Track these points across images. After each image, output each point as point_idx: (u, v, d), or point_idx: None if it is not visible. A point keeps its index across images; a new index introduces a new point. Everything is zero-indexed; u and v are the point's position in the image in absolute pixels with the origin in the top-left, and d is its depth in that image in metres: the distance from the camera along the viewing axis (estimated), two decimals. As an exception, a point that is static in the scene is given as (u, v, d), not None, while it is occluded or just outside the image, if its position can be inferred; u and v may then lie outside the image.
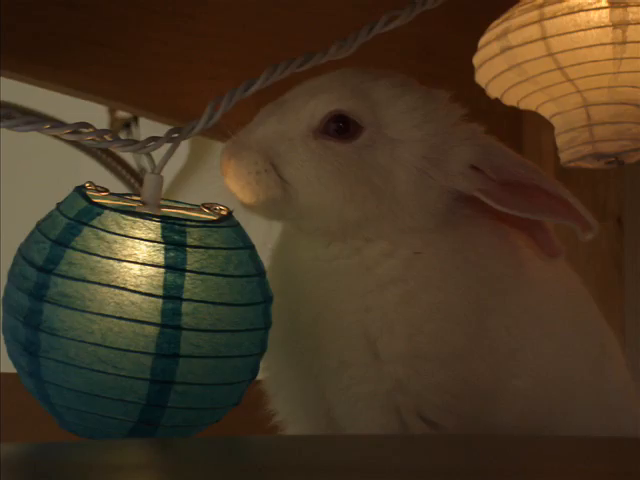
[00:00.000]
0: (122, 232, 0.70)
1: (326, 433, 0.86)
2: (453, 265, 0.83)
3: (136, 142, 0.79)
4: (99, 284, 0.69)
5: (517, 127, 1.36)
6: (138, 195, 0.78)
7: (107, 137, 0.78)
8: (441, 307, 0.81)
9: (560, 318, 0.88)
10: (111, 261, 0.69)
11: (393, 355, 0.81)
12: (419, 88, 0.86)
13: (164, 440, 0.71)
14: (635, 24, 0.79)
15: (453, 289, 0.82)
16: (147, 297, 0.69)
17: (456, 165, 0.83)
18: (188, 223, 0.71)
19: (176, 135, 0.78)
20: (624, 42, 0.79)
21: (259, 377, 0.80)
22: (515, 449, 0.68)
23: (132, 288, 0.69)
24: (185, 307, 0.69)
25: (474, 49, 0.87)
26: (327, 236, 0.84)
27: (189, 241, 0.71)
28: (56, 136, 0.79)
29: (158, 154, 0.78)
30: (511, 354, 0.84)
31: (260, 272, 0.75)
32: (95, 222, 0.70)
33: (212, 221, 0.74)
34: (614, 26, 0.79)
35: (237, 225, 0.76)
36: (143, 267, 0.69)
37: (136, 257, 0.69)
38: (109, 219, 0.70)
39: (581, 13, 0.80)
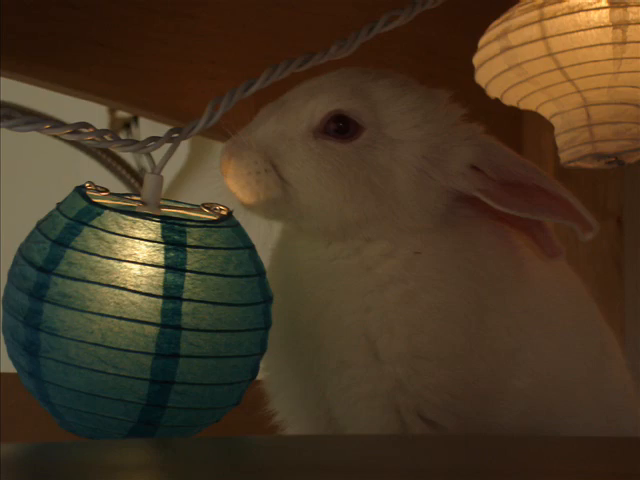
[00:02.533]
0: (122, 232, 0.70)
1: (326, 433, 0.86)
2: (453, 265, 0.83)
3: (136, 142, 0.78)
4: (99, 284, 0.69)
5: (517, 127, 1.36)
6: (138, 195, 0.78)
7: (107, 137, 0.78)
8: (441, 307, 0.81)
9: (560, 318, 0.88)
10: (111, 261, 0.69)
11: (393, 355, 0.81)
12: (419, 88, 0.86)
13: (164, 440, 0.71)
14: (635, 24, 0.79)
15: (453, 289, 0.82)
16: (147, 297, 0.69)
17: (456, 165, 0.83)
18: (188, 223, 0.71)
19: (176, 135, 0.78)
20: (624, 42, 0.79)
21: (259, 377, 0.80)
22: (515, 449, 0.68)
23: (132, 288, 0.69)
24: (185, 307, 0.69)
25: (474, 49, 0.87)
26: (327, 236, 0.84)
27: (189, 241, 0.71)
28: (56, 136, 0.79)
29: (158, 154, 0.78)
30: (511, 354, 0.84)
31: (260, 272, 0.75)
32: (95, 222, 0.70)
33: (212, 221, 0.74)
34: (614, 26, 0.79)
35: (237, 225, 0.76)
36: (143, 267, 0.69)
37: (136, 257, 0.69)
38: (109, 219, 0.70)
39: (581, 13, 0.80)
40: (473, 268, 0.83)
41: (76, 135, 0.77)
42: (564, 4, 0.81)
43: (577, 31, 0.80)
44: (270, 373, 0.89)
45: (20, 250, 0.73)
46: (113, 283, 0.69)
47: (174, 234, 0.70)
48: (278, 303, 0.77)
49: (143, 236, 0.70)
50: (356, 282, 0.83)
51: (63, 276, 0.69)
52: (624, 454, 0.66)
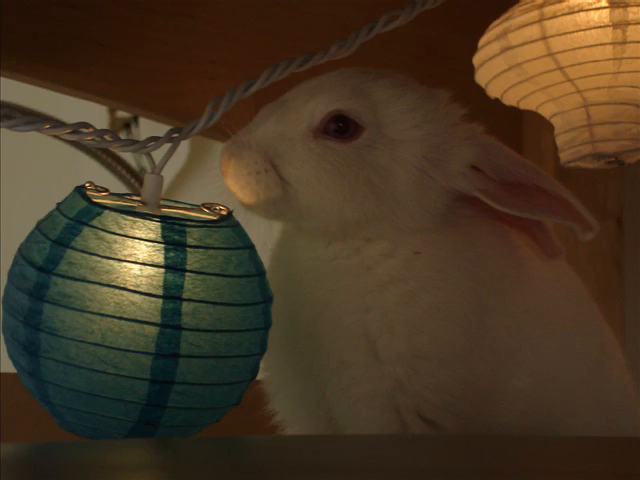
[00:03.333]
0: (122, 232, 0.70)
1: (326, 433, 0.86)
2: (453, 265, 0.83)
3: (136, 142, 0.78)
4: (99, 284, 0.69)
5: (517, 127, 1.36)
6: (138, 195, 0.78)
7: (107, 137, 0.78)
8: (441, 307, 0.81)
9: (560, 318, 0.88)
10: (111, 261, 0.69)
11: (393, 355, 0.81)
12: (419, 88, 0.86)
13: (164, 440, 0.71)
14: (635, 24, 0.79)
15: (453, 289, 0.82)
16: (147, 297, 0.69)
17: (456, 165, 0.83)
18: (188, 223, 0.71)
19: (176, 135, 0.78)
20: (624, 42, 0.79)
21: (259, 377, 0.80)
22: (515, 449, 0.68)
23: (132, 288, 0.69)
24: (185, 307, 0.69)
25: (474, 49, 0.87)
26: (327, 236, 0.84)
27: (189, 241, 0.71)
28: (56, 136, 0.79)
29: (158, 154, 0.78)
30: (511, 354, 0.84)
31: (260, 272, 0.75)
32: (95, 222, 0.70)
33: (212, 221, 0.74)
34: (614, 26, 0.79)
35: (237, 225, 0.76)
36: (143, 267, 0.69)
37: (136, 257, 0.69)
38: (109, 219, 0.70)
39: (581, 13, 0.80)
40: (473, 268, 0.83)
41: (76, 135, 0.77)
42: (564, 4, 0.81)
43: (577, 31, 0.80)
44: (270, 373, 0.89)
45: (20, 250, 0.73)
46: (113, 283, 0.69)
47: (174, 234, 0.70)
48: (278, 303, 0.77)
49: (143, 236, 0.70)
50: (356, 282, 0.83)
51: (63, 276, 0.69)
52: (624, 454, 0.66)
